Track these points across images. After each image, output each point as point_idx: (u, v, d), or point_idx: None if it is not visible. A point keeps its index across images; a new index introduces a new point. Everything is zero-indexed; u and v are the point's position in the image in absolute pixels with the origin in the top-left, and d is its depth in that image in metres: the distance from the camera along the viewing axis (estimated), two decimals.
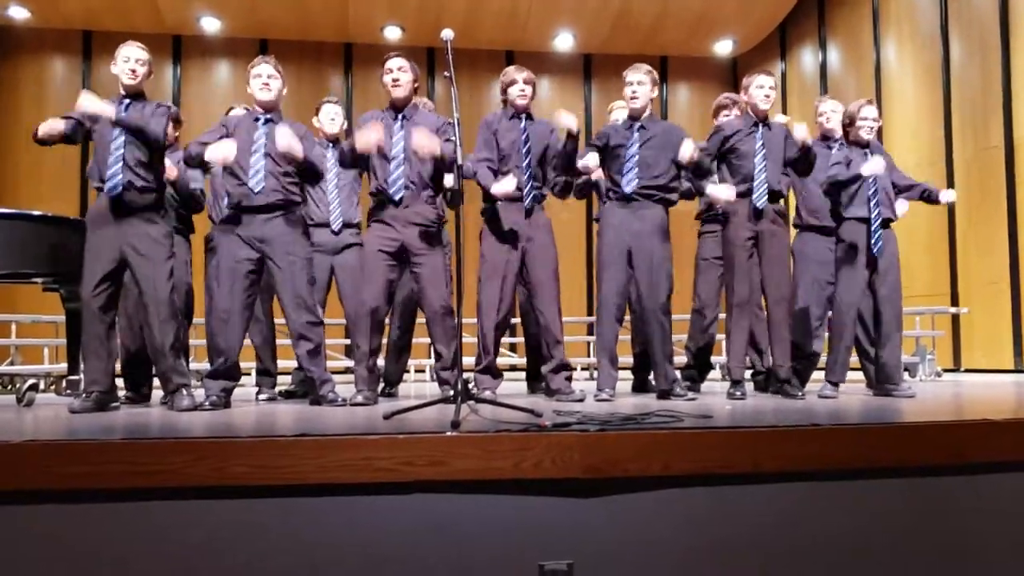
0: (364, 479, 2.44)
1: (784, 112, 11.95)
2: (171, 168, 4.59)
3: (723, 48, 12.72)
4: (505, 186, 4.44)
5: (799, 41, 12.13)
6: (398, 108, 4.45)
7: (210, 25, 11.59)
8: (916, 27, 10.03)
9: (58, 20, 11.28)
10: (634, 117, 4.65)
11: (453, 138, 3.72)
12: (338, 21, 11.58)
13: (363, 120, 4.44)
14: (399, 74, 4.38)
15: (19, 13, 11.09)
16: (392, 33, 11.88)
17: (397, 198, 4.32)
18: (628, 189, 4.53)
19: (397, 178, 4.32)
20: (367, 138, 4.19)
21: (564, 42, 12.43)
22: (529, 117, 4.71)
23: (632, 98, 4.60)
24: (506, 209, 4.60)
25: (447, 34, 3.71)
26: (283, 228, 4.21)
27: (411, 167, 4.34)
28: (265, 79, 4.30)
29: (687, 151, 4.47)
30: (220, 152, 4.11)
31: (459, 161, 3.62)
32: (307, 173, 4.33)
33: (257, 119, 4.30)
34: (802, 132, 4.55)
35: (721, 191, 4.59)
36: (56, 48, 11.59)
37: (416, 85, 4.47)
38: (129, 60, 4.16)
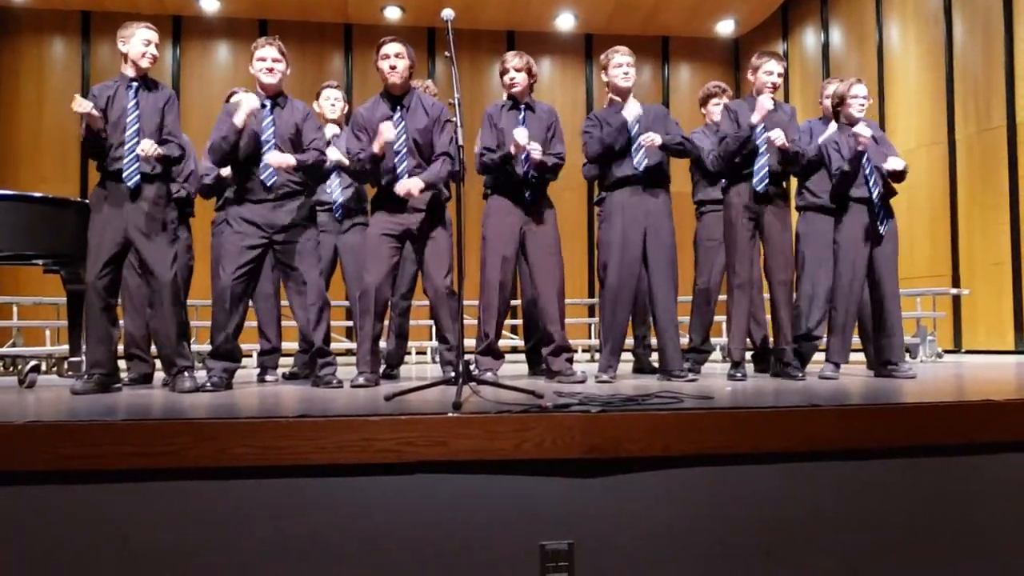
0: (365, 460, 2.44)
1: (786, 92, 11.91)
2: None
3: (725, 28, 12.61)
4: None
5: (801, 21, 12.04)
6: (396, 96, 4.39)
7: (209, 5, 11.52)
8: (919, 7, 9.96)
9: (57, 0, 11.21)
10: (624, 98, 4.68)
11: (453, 118, 3.69)
12: (338, 1, 11.51)
13: (361, 112, 4.38)
14: (396, 60, 4.29)
15: None
16: (392, 13, 11.81)
17: None
18: (640, 167, 4.55)
19: (403, 172, 4.29)
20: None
21: (565, 22, 12.36)
22: (529, 106, 4.68)
23: (624, 77, 4.63)
24: (508, 194, 4.61)
25: (448, 14, 3.68)
26: (291, 216, 4.24)
27: (413, 157, 4.32)
28: (270, 63, 4.26)
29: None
30: (245, 110, 4.11)
31: (459, 142, 3.60)
32: (309, 174, 4.33)
33: (264, 105, 4.27)
34: (778, 137, 4.50)
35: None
36: (56, 29, 11.52)
37: (412, 69, 4.39)
38: (150, 44, 4.10)
